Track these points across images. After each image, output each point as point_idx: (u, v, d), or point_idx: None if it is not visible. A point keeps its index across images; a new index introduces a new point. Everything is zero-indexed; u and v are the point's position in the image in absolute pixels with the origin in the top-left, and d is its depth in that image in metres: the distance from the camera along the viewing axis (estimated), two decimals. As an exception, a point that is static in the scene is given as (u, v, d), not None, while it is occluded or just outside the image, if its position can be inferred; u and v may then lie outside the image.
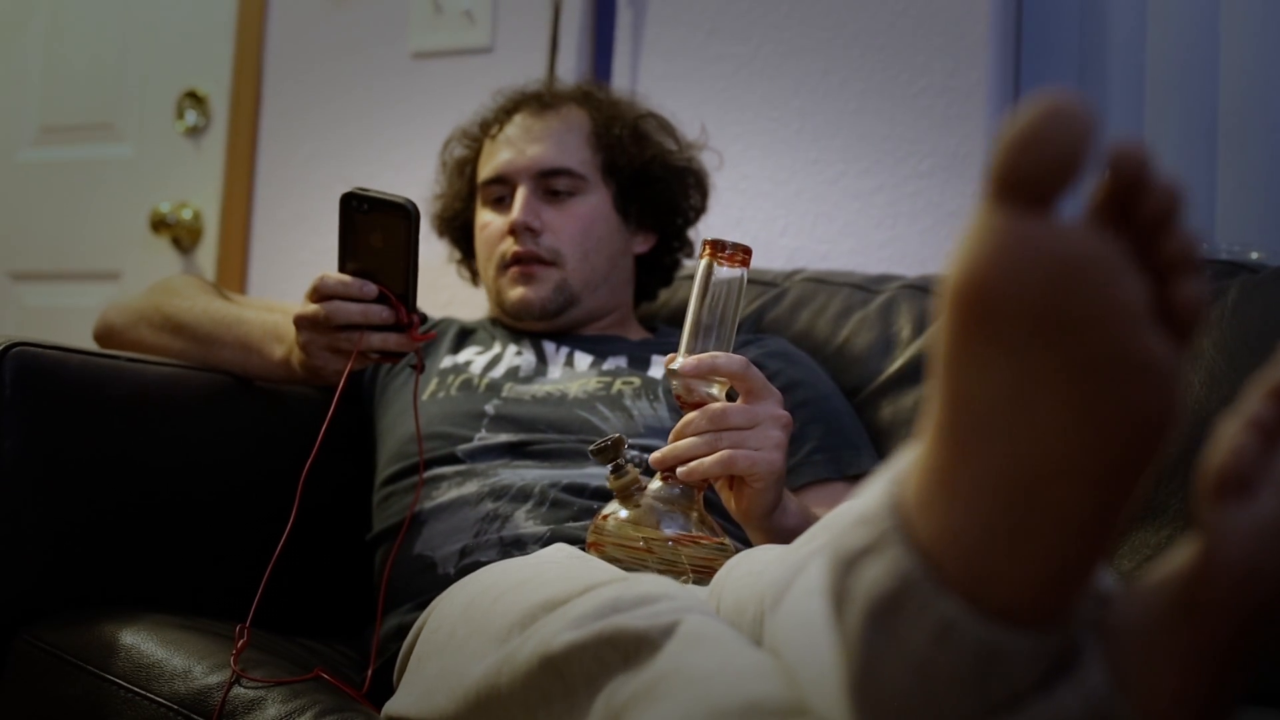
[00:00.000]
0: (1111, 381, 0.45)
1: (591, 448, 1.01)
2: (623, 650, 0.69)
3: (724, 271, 1.00)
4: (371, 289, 1.09)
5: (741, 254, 1.00)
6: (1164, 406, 0.46)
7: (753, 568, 0.83)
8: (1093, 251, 0.46)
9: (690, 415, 1.00)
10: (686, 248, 1.54)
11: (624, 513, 0.98)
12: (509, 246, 1.40)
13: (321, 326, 1.12)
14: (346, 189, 1.09)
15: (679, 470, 0.98)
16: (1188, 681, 0.47)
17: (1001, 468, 0.47)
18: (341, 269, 1.11)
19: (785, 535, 1.03)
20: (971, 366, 0.48)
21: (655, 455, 1.00)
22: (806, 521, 1.06)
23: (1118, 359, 0.45)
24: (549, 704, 0.73)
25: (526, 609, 0.79)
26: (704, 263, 1.01)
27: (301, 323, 1.14)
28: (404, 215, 1.07)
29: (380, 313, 1.10)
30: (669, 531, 0.97)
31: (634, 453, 1.04)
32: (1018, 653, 0.48)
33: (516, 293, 1.39)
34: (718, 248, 1.00)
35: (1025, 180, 0.45)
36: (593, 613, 0.72)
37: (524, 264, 1.39)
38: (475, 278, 1.58)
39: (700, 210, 1.53)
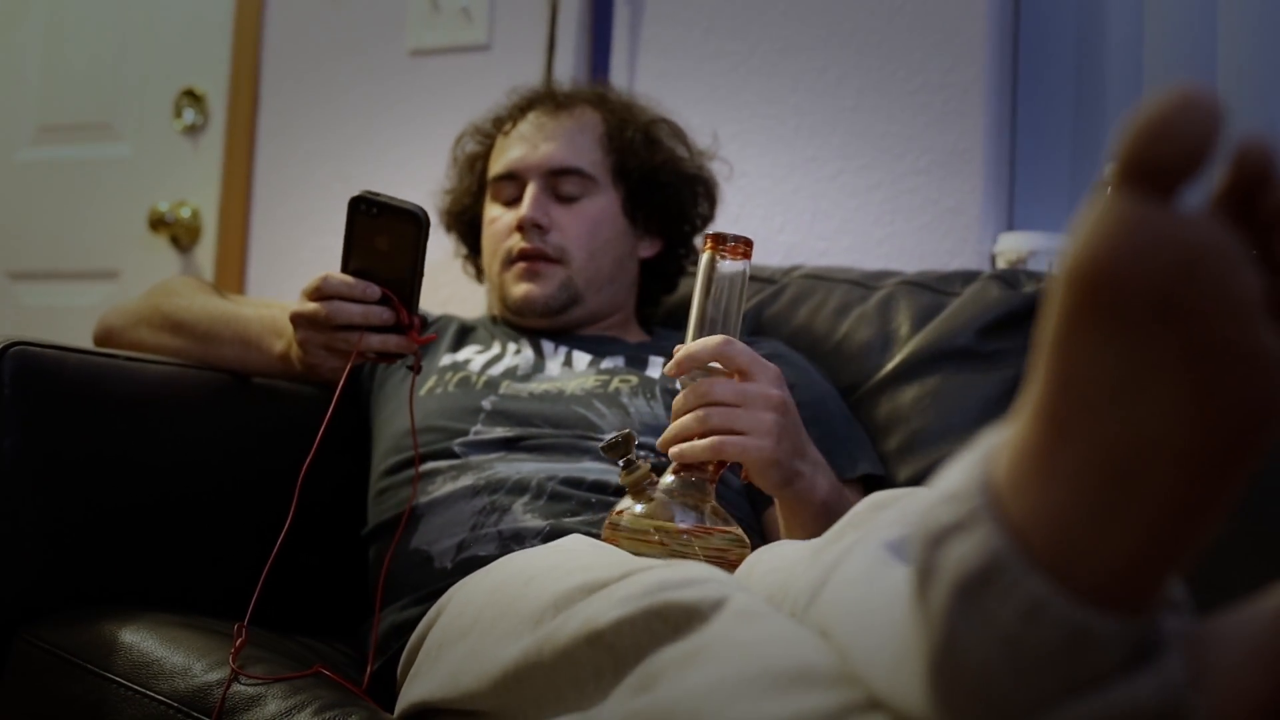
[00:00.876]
0: (1222, 370, 0.46)
1: (602, 444, 1.01)
2: (672, 622, 0.69)
3: (727, 265, 1.00)
4: (375, 291, 1.10)
5: (743, 246, 1.00)
6: (1270, 399, 0.47)
7: (776, 564, 0.83)
8: (1215, 242, 0.47)
9: (682, 393, 1.01)
10: (692, 255, 1.54)
11: (638, 507, 0.98)
12: (516, 242, 1.40)
13: (320, 325, 1.12)
14: (346, 187, 1.10)
15: (672, 450, 0.99)
16: (1276, 694, 0.48)
17: (1104, 448, 0.48)
18: (345, 270, 1.11)
19: (815, 507, 1.05)
20: (1084, 347, 0.49)
21: (661, 439, 1.01)
22: (838, 494, 1.08)
23: (1231, 349, 0.46)
24: (599, 677, 0.73)
25: (563, 591, 0.79)
26: (706, 257, 1.00)
27: (299, 320, 1.14)
28: (415, 222, 1.08)
29: (381, 314, 1.10)
30: (683, 524, 0.96)
31: (644, 454, 1.04)
32: (1106, 634, 0.48)
33: (520, 289, 1.40)
34: (719, 241, 1.00)
35: (1153, 168, 0.47)
36: (639, 593, 0.73)
37: (529, 260, 1.39)
38: (480, 274, 1.58)
39: (708, 218, 1.53)
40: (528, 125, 1.44)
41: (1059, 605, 0.48)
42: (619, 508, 1.00)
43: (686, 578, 0.73)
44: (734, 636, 0.66)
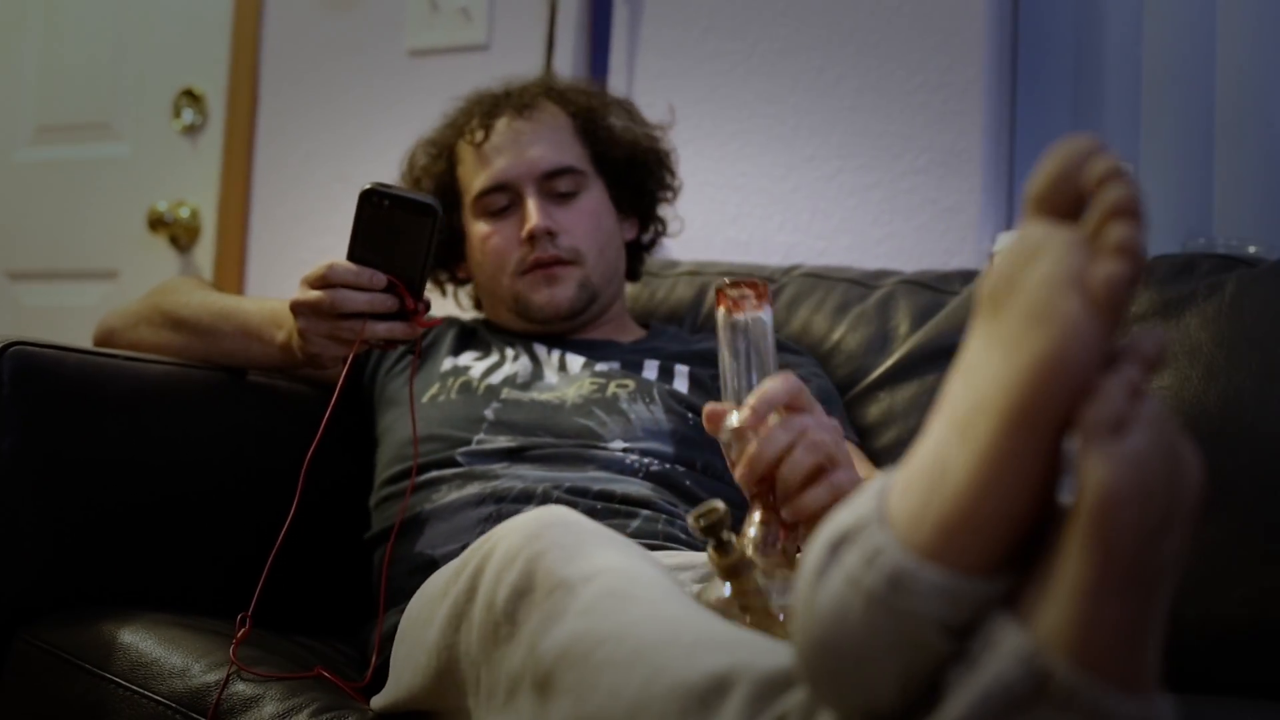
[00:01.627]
0: (1027, 329, 0.53)
1: (692, 518, 0.80)
2: (546, 588, 0.73)
3: (746, 317, 0.88)
4: (381, 279, 1.10)
5: (756, 294, 0.88)
6: (1061, 356, 0.52)
7: None
8: (1057, 234, 0.55)
9: (768, 433, 0.85)
10: (661, 224, 1.54)
11: (726, 589, 0.81)
12: (527, 252, 1.38)
13: (323, 314, 1.12)
14: (345, 187, 1.10)
15: (785, 512, 0.85)
16: (1097, 614, 0.51)
17: (953, 415, 0.56)
18: (351, 259, 1.11)
19: None
20: (970, 343, 0.57)
21: (781, 491, 0.85)
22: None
23: (1035, 312, 0.54)
24: (489, 658, 0.77)
25: (460, 559, 0.85)
26: (721, 314, 0.89)
27: (301, 309, 1.13)
28: (430, 214, 1.08)
29: (386, 301, 1.10)
30: (781, 601, 0.80)
31: (649, 460, 0.92)
32: (921, 582, 0.53)
33: (543, 295, 1.38)
34: (731, 297, 0.88)
35: (1049, 200, 0.56)
36: (519, 542, 0.77)
37: (545, 267, 1.38)
38: (458, 284, 1.55)
39: (675, 189, 1.53)
40: (501, 134, 1.41)
41: (892, 551, 0.54)
42: (698, 590, 0.84)
43: (556, 515, 0.79)
44: (630, 635, 0.67)
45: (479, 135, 1.42)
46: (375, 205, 1.09)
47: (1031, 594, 0.53)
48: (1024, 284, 0.55)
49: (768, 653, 0.63)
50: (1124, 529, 0.51)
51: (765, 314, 0.89)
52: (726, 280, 0.89)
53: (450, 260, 1.50)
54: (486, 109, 1.44)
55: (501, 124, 1.42)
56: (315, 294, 1.11)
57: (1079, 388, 0.52)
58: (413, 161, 1.50)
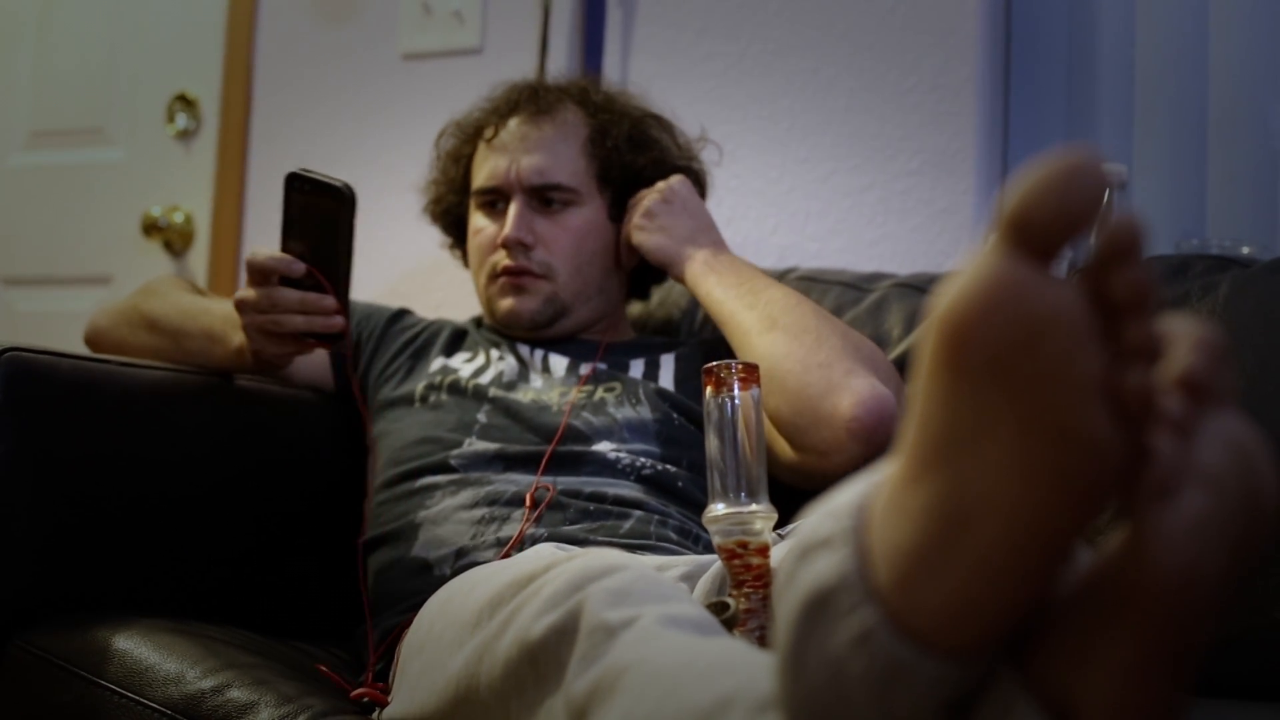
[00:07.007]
0: (1047, 444, 0.46)
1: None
2: (586, 629, 0.71)
3: (733, 400, 0.87)
4: (299, 267, 1.12)
5: (741, 376, 0.87)
6: (1091, 481, 0.46)
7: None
8: (1065, 315, 0.47)
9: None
10: None
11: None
12: (500, 259, 1.38)
13: (256, 308, 1.16)
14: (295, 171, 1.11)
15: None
16: (1131, 692, 0.47)
17: (943, 494, 0.49)
18: (283, 248, 1.14)
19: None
20: (938, 393, 0.49)
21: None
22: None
23: (1058, 425, 0.46)
24: (521, 693, 0.75)
25: (495, 591, 0.82)
26: (708, 395, 0.87)
27: (240, 306, 1.18)
28: (339, 198, 1.10)
29: (319, 301, 1.13)
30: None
31: (643, 460, 0.92)
32: (920, 674, 0.49)
33: (506, 304, 1.38)
34: (718, 380, 0.87)
35: (1032, 231, 0.47)
36: (565, 589, 0.74)
37: (514, 275, 1.37)
38: (467, 262, 1.56)
39: None
40: (509, 134, 1.40)
41: (884, 636, 0.49)
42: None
43: (605, 565, 0.75)
44: (648, 663, 0.65)
45: (489, 132, 1.42)
46: (299, 190, 1.11)
47: (1051, 666, 0.49)
48: (1029, 375, 0.46)
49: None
50: (1173, 610, 0.45)
51: (753, 392, 0.87)
52: (715, 363, 0.87)
53: (459, 236, 1.51)
54: (507, 105, 1.43)
55: (513, 123, 1.41)
56: (251, 292, 1.16)
57: (1106, 491, 0.46)
58: (441, 139, 1.50)
